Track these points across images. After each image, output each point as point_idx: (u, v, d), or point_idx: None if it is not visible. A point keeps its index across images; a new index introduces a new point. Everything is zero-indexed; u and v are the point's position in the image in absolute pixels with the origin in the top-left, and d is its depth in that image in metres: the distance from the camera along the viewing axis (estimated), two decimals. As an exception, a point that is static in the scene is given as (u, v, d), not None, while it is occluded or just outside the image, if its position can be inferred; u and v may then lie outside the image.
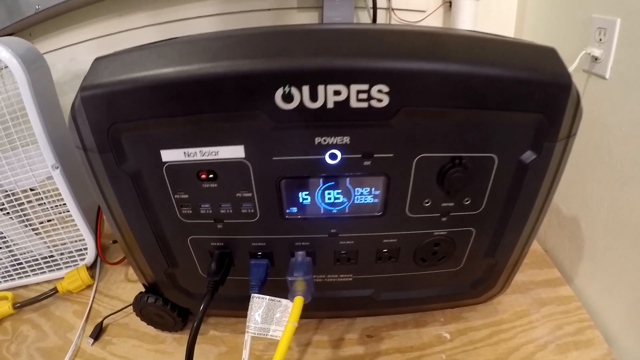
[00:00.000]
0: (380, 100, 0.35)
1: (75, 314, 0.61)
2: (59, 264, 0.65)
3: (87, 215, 0.62)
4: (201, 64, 0.35)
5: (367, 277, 0.50)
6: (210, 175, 0.40)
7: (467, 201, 0.43)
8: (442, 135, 0.38)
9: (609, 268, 0.56)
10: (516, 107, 0.36)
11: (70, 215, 0.61)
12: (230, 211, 0.43)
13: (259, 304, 0.41)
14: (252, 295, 0.42)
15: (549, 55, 0.37)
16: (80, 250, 0.65)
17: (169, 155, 0.39)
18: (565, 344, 0.52)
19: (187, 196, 0.42)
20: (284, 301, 0.41)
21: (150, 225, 0.44)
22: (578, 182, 0.61)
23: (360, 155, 0.39)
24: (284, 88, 0.34)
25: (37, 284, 0.66)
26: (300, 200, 0.43)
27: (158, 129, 0.38)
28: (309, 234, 0.45)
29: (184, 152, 0.39)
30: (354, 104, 0.35)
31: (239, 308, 0.45)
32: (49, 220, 0.62)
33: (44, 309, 0.62)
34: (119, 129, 0.37)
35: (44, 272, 0.65)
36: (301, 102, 0.35)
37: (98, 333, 0.56)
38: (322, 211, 0.44)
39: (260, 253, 0.46)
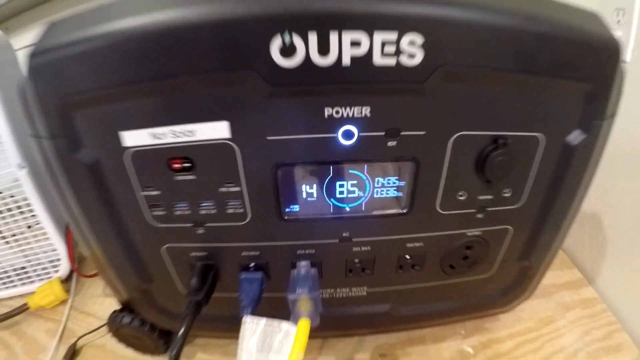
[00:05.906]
0: (412, 56, 0.23)
1: (48, 333, 0.47)
2: (31, 277, 0.50)
3: (59, 222, 0.48)
4: (171, 10, 0.22)
5: (384, 289, 0.36)
6: (186, 164, 0.26)
7: (506, 192, 0.30)
8: (485, 107, 0.26)
9: (635, 268, 0.45)
10: (567, 73, 0.26)
11: (39, 222, 0.47)
12: (214, 211, 0.29)
13: (252, 329, 0.27)
14: (244, 319, 0.28)
15: (594, 19, 0.27)
16: (54, 261, 0.50)
17: (132, 138, 0.26)
18: (595, 351, 0.42)
19: (157, 193, 0.28)
20: (285, 325, 0.27)
21: (116, 231, 0.30)
22: (597, 173, 0.49)
23: (383, 133, 0.26)
24: (282, 35, 0.21)
25: (10, 298, 0.51)
26: (304, 195, 0.29)
27: (118, 102, 0.25)
28: (314, 239, 0.31)
29: (151, 133, 0.25)
30: (377, 60, 0.22)
31: (230, 329, 0.31)
32: (18, 228, 0.48)
33: (16, 327, 0.48)
34: (71, 105, 0.25)
35: (15, 286, 0.51)
36: (307, 56, 0.22)
37: (71, 356, 0.43)
38: (331, 209, 0.30)
39: (252, 264, 0.32)
